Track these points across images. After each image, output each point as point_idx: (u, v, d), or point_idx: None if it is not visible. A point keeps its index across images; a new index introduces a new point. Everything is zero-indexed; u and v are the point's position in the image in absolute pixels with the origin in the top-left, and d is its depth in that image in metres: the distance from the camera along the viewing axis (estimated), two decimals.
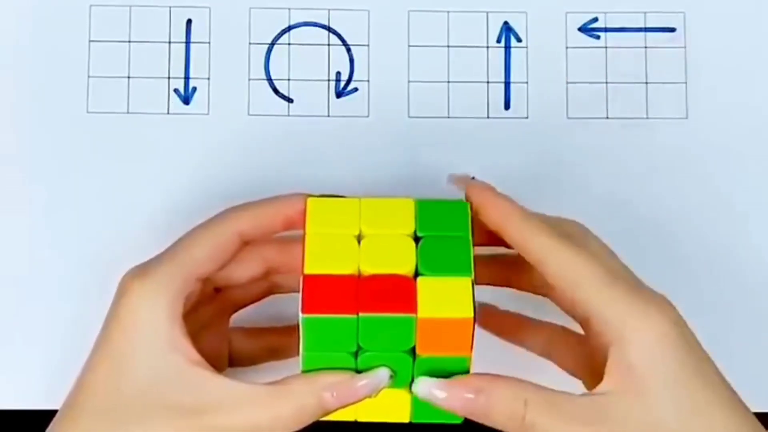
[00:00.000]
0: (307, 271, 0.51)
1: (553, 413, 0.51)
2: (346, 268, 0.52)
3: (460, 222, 0.53)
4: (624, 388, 0.51)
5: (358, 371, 0.52)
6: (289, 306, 0.51)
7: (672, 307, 0.53)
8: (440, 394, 0.52)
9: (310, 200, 0.54)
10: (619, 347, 0.52)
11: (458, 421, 0.54)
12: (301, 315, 0.50)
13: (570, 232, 0.55)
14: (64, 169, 0.64)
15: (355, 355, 0.52)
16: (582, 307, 0.53)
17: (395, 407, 0.54)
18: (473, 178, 0.57)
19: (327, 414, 0.52)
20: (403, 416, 0.55)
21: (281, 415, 0.51)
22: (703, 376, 0.52)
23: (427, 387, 0.52)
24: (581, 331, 0.55)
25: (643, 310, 0.52)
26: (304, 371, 0.52)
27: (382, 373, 0.52)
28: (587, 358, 0.56)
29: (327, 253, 0.52)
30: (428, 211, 0.53)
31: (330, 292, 0.51)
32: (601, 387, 0.52)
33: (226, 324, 0.60)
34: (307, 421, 0.52)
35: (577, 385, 0.57)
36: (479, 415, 0.52)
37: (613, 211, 0.64)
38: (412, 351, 0.52)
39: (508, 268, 0.59)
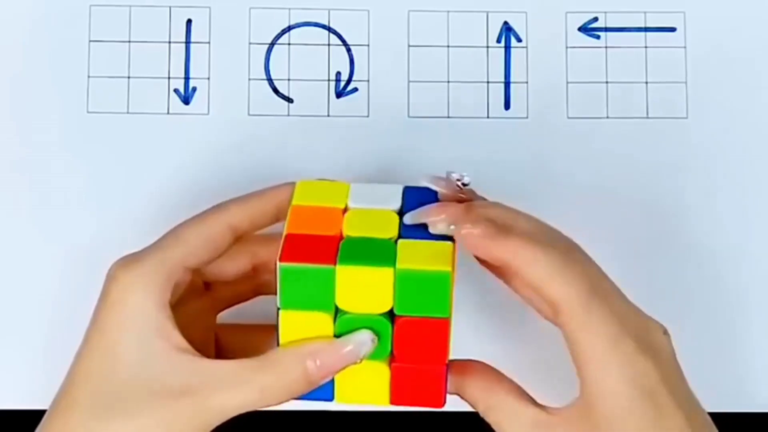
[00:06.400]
0: (289, 231, 0.52)
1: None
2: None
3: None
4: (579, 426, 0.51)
5: None
6: (276, 306, 0.52)
7: (649, 349, 0.51)
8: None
9: (299, 182, 0.55)
10: (586, 389, 0.51)
11: (439, 407, 0.53)
12: (278, 264, 0.51)
13: (558, 245, 0.53)
14: (64, 169, 0.64)
15: (333, 320, 0.52)
16: (560, 326, 0.52)
17: (374, 387, 0.54)
18: (462, 181, 0.55)
19: (314, 385, 0.52)
20: (383, 398, 0.54)
21: (268, 387, 0.52)
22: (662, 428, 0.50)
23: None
24: None
25: (614, 356, 0.51)
26: (283, 344, 0.52)
27: (365, 336, 0.52)
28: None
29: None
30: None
31: (309, 246, 0.51)
32: (560, 411, 0.52)
33: (213, 320, 0.60)
34: (296, 391, 0.52)
35: (564, 389, 0.56)
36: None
37: (612, 211, 0.64)
38: (391, 315, 0.52)
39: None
